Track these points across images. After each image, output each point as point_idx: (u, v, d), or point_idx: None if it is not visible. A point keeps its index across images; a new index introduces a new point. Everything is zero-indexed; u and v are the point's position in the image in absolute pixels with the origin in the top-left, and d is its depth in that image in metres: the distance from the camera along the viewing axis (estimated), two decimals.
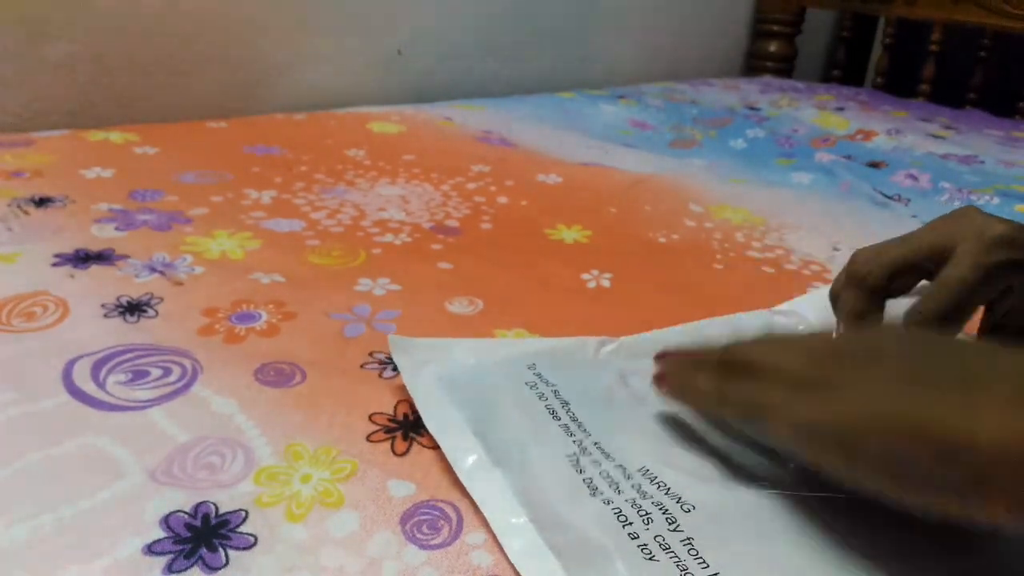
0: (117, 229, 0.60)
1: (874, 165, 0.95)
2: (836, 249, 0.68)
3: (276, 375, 0.42)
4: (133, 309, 0.48)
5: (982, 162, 0.97)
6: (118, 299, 0.49)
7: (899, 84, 1.54)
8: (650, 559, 0.31)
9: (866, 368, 0.30)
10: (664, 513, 0.33)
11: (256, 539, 0.31)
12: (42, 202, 0.63)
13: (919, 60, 1.52)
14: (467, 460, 0.36)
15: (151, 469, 0.34)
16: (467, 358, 0.44)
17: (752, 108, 1.25)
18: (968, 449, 0.26)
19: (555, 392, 0.41)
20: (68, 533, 0.30)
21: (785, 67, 1.68)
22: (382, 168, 0.82)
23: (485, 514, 0.33)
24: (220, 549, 0.30)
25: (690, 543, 0.32)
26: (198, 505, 0.32)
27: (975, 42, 1.47)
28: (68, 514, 0.31)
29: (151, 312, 0.48)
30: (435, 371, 0.42)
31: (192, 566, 0.29)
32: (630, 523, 0.33)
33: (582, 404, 0.40)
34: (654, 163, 0.94)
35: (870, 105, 1.31)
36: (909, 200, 0.83)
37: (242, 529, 0.31)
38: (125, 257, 0.55)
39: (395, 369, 0.43)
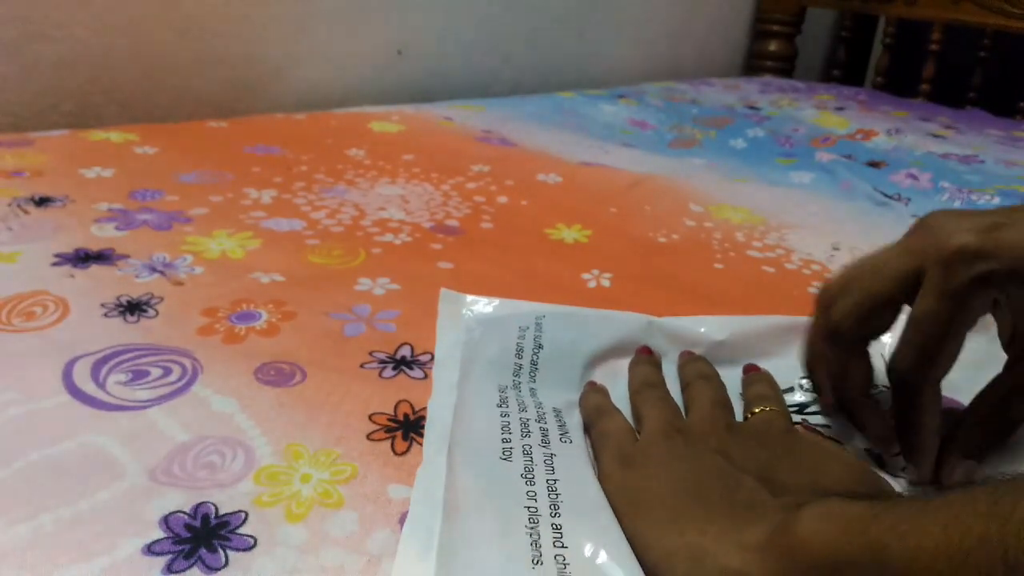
0: (117, 229, 0.60)
1: (874, 165, 0.94)
2: (836, 249, 0.68)
3: (276, 374, 0.42)
4: (133, 309, 0.48)
5: (982, 161, 0.97)
6: (118, 299, 0.49)
7: (899, 84, 1.54)
8: (506, 460, 0.35)
9: (660, 467, 0.34)
10: (544, 435, 0.37)
11: (256, 540, 0.31)
12: (42, 202, 0.63)
13: (919, 60, 1.52)
14: (441, 387, 0.41)
15: (151, 469, 0.34)
16: (503, 310, 0.48)
17: (752, 108, 1.25)
18: None
19: (536, 338, 0.44)
20: (68, 533, 0.30)
21: (785, 67, 1.68)
22: (382, 168, 0.81)
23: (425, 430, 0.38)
24: (220, 550, 0.30)
25: (551, 459, 0.35)
26: (198, 506, 0.32)
27: (975, 42, 1.47)
28: (68, 514, 0.31)
29: (151, 312, 0.47)
30: (467, 316, 0.48)
31: (191, 566, 0.29)
32: (510, 431, 0.37)
33: (555, 356, 0.44)
34: (654, 163, 0.93)
35: (870, 105, 1.31)
36: (909, 200, 0.83)
37: (242, 530, 0.31)
38: (125, 257, 0.55)
39: (395, 368, 0.43)
